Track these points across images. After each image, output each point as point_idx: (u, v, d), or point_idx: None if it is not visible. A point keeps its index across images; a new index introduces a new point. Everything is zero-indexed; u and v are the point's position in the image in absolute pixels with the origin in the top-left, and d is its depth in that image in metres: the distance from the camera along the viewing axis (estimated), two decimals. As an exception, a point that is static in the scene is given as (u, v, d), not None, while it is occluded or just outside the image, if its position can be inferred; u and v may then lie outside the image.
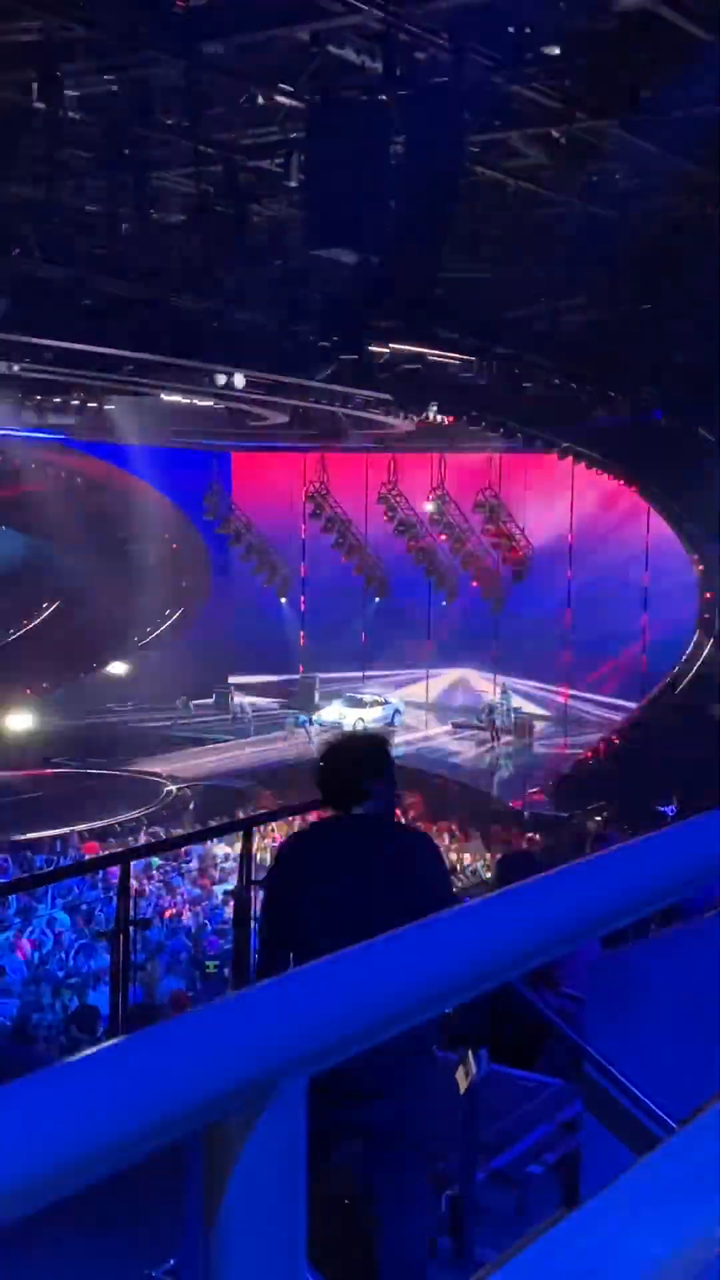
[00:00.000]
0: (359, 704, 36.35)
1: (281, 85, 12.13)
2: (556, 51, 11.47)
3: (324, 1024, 1.04)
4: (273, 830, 17.46)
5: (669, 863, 1.59)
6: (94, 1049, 0.96)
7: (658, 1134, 2.57)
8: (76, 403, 26.93)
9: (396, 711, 36.33)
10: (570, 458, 30.45)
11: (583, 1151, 3.17)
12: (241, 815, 22.94)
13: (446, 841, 25.30)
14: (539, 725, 35.12)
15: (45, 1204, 0.89)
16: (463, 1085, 4.45)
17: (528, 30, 11.12)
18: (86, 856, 20.45)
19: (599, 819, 26.83)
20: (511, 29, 11.05)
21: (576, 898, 1.35)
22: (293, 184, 13.59)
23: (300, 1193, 1.06)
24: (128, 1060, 0.95)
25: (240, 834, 9.84)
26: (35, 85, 11.98)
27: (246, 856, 7.91)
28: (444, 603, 37.43)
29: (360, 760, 4.50)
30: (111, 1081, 0.93)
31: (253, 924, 7.96)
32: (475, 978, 1.18)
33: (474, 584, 36.63)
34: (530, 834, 26.41)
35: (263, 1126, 1.01)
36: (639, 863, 1.55)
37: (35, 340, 17.20)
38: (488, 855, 24.70)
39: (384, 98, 11.43)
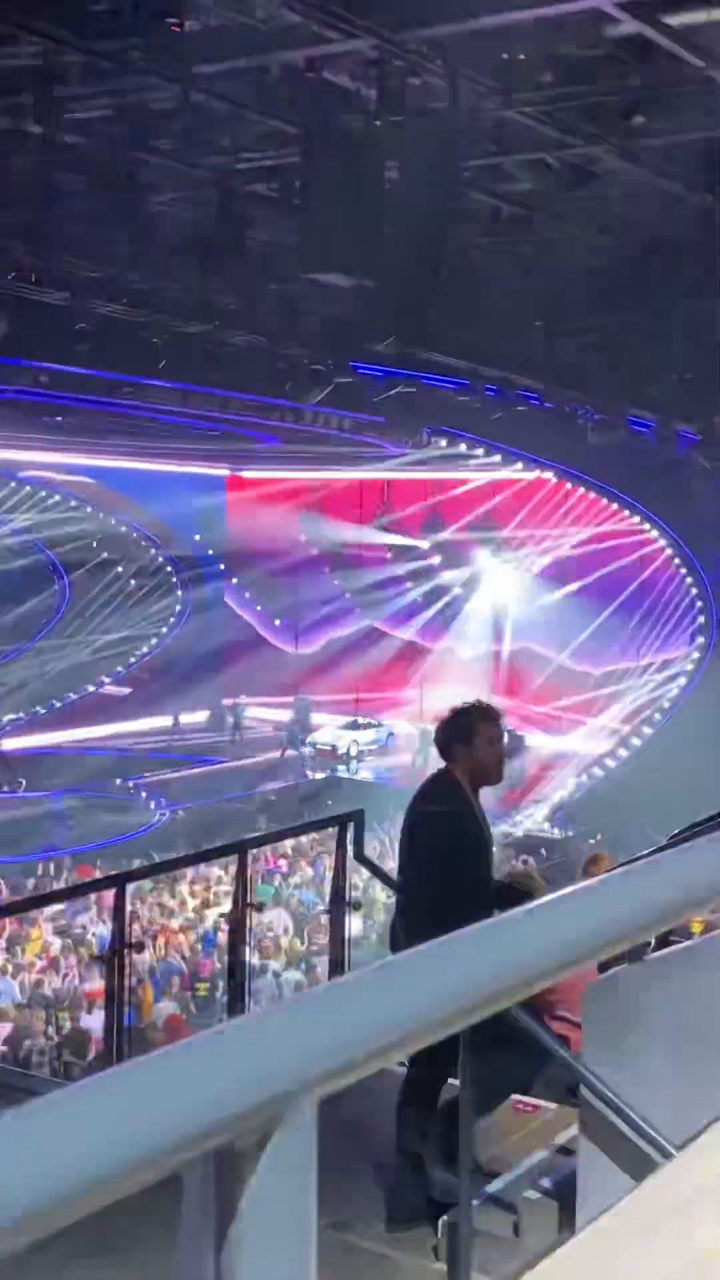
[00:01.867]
0: (354, 726, 36.35)
1: (277, 110, 12.19)
2: (549, 77, 11.55)
3: (334, 1045, 1.05)
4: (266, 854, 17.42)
5: (675, 884, 1.60)
6: (107, 1071, 0.97)
7: (654, 1155, 2.57)
8: (71, 424, 26.93)
9: (390, 734, 36.31)
10: (565, 480, 30.57)
11: (580, 1176, 3.17)
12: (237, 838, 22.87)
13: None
14: (532, 745, 35.09)
15: (60, 1226, 0.90)
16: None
17: (521, 56, 11.19)
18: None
19: (594, 840, 26.80)
20: (505, 55, 11.12)
21: (588, 918, 1.35)
22: (288, 208, 13.65)
23: (312, 1212, 1.06)
24: (141, 1083, 0.96)
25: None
26: (31, 109, 12.04)
27: (242, 880, 7.89)
28: (439, 625, 37.44)
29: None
30: (125, 1104, 0.93)
31: (246, 947, 7.94)
32: (485, 999, 1.19)
33: (469, 606, 36.68)
34: (524, 856, 26.36)
35: (275, 1147, 1.01)
36: (645, 884, 1.55)
37: (31, 364, 17.22)
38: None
39: (379, 123, 11.49)
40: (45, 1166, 0.87)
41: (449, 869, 5.15)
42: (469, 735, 5.52)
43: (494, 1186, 4.81)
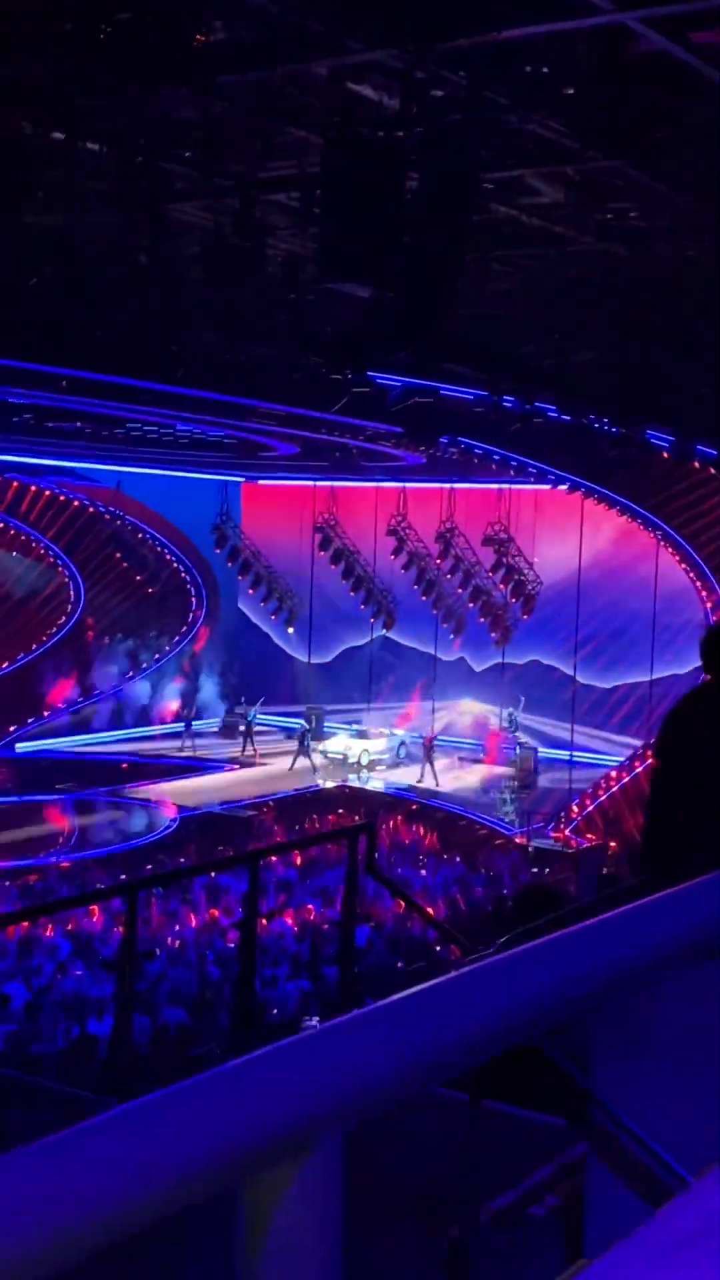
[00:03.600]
0: (364, 735, 36.37)
1: (299, 120, 12.22)
2: (572, 91, 11.55)
3: (359, 1078, 1.04)
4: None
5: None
6: (132, 1103, 0.96)
7: (666, 1180, 2.55)
8: (90, 431, 27.02)
9: (402, 743, 36.32)
10: (580, 492, 30.58)
11: (587, 1194, 3.14)
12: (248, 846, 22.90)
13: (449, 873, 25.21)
14: (543, 759, 35.05)
15: (87, 1258, 0.89)
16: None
17: (544, 70, 11.20)
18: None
19: (606, 855, 26.75)
20: (528, 68, 11.13)
21: (618, 948, 1.34)
22: (308, 218, 13.68)
23: (337, 1242, 1.05)
24: (168, 1115, 0.95)
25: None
26: (53, 116, 12.09)
27: (253, 889, 7.88)
28: (451, 636, 37.42)
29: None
30: (152, 1135, 0.92)
31: (256, 954, 7.93)
32: (508, 1030, 1.18)
33: (481, 618, 36.62)
34: (534, 869, 26.33)
35: (300, 1180, 1.01)
36: (681, 913, 1.53)
37: (51, 370, 17.28)
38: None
39: (400, 134, 11.51)
40: (71, 1198, 0.87)
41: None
42: None
43: (499, 1202, 4.78)
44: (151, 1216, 0.94)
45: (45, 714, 36.41)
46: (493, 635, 36.43)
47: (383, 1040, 1.10)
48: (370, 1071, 1.08)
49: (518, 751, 34.76)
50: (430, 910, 16.58)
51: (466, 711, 37.25)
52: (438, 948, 18.11)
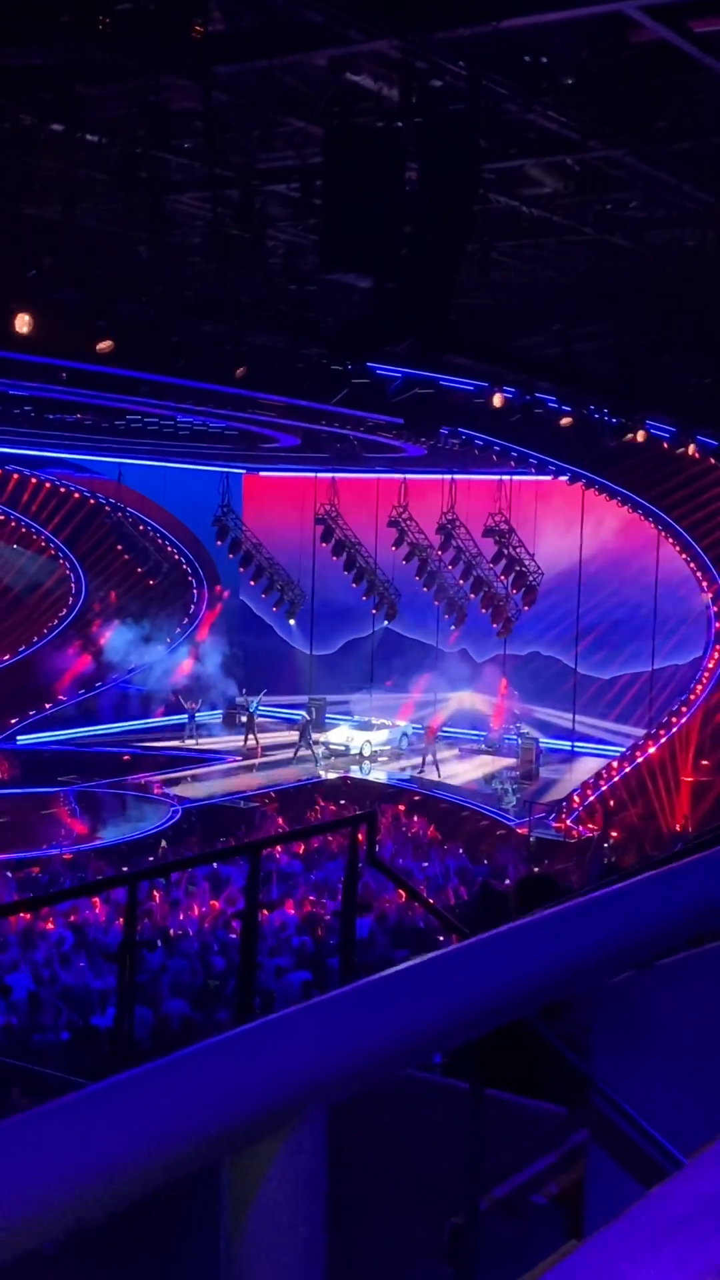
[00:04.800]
0: (367, 726, 36.39)
1: (298, 111, 12.20)
2: (571, 81, 11.54)
3: (343, 1055, 1.04)
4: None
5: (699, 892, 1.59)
6: (119, 1077, 0.97)
7: (664, 1165, 2.56)
8: (90, 423, 27.02)
9: (404, 734, 36.34)
10: (581, 483, 30.57)
11: (588, 1181, 3.15)
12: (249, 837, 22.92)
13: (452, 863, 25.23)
14: (545, 749, 35.08)
15: (71, 1232, 0.89)
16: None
17: (544, 60, 11.18)
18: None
19: (607, 845, 26.79)
20: (527, 58, 11.11)
21: (601, 928, 1.35)
22: (308, 209, 13.67)
23: (322, 1219, 1.06)
24: (149, 1090, 0.95)
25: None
26: (53, 107, 12.08)
27: (254, 879, 7.89)
28: (453, 627, 37.42)
29: None
30: (134, 1111, 0.93)
31: (260, 945, 7.93)
32: (494, 1010, 1.19)
33: (483, 609, 36.61)
34: (535, 859, 26.35)
35: (284, 1156, 1.01)
36: (664, 894, 1.54)
37: (51, 361, 17.26)
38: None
39: (400, 124, 11.50)
40: (56, 1172, 0.87)
41: None
42: None
43: (500, 1190, 4.80)
44: (134, 1191, 0.95)
45: (47, 706, 36.44)
46: (494, 626, 36.43)
47: (364, 1018, 1.11)
48: (352, 1048, 1.08)
49: (519, 742, 34.78)
50: (432, 900, 16.61)
51: (468, 703, 37.27)
52: (440, 938, 18.13)
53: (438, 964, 1.20)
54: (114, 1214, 0.94)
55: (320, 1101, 1.05)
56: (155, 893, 20.49)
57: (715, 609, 31.06)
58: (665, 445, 23.14)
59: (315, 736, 35.35)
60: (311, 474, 38.20)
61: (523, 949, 1.31)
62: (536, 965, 1.30)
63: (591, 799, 30.33)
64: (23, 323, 14.22)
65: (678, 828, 28.78)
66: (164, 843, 25.79)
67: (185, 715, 36.94)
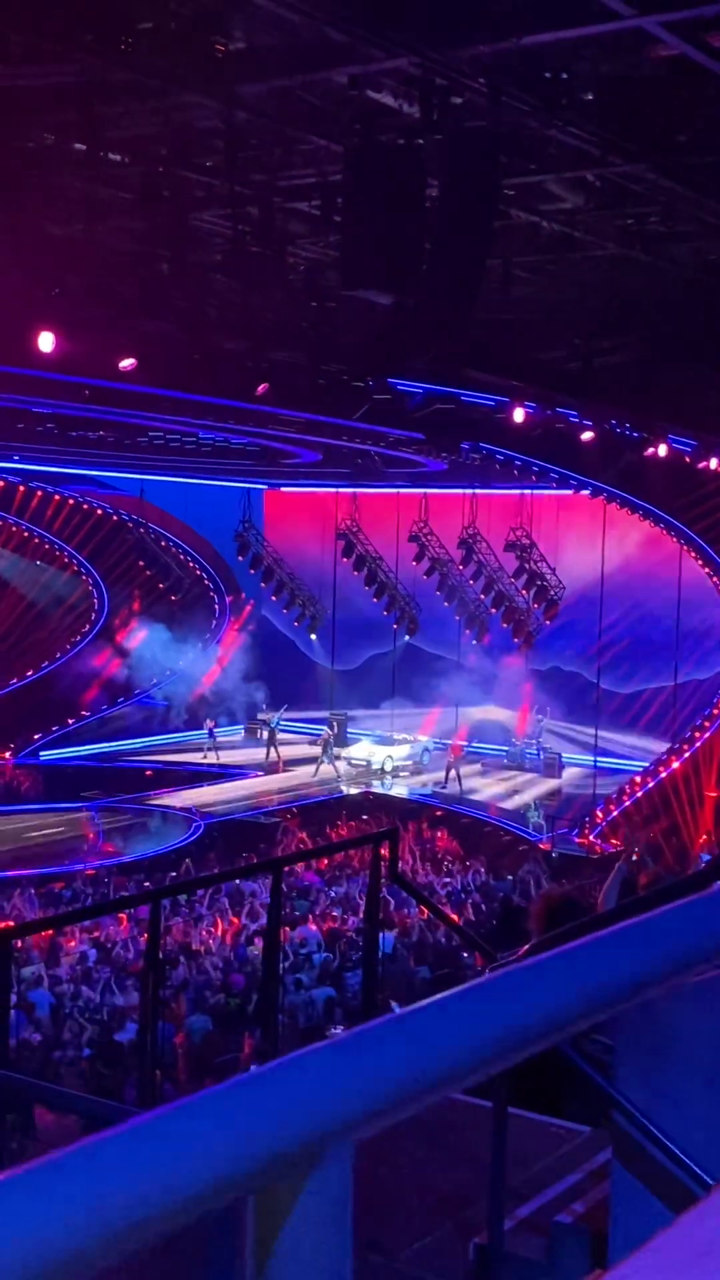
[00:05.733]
0: (388, 741, 36.35)
1: (319, 128, 12.24)
2: (591, 96, 11.54)
3: (369, 1090, 1.04)
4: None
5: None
6: (149, 1114, 0.96)
7: (689, 1185, 2.54)
8: (112, 440, 27.10)
9: (425, 749, 36.29)
10: (603, 498, 30.51)
11: (612, 1200, 3.14)
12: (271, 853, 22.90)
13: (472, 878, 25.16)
14: (567, 764, 34.99)
15: (100, 1270, 0.89)
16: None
17: (564, 75, 11.19)
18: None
19: (631, 861, 26.66)
20: (547, 74, 11.12)
21: (627, 959, 1.34)
22: (329, 225, 13.70)
23: (348, 1253, 1.05)
24: (183, 1125, 0.95)
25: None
26: (76, 127, 12.15)
27: (277, 895, 7.89)
28: (474, 641, 37.36)
29: None
30: (166, 1147, 0.92)
31: (282, 961, 7.93)
32: (521, 1042, 1.18)
33: (504, 624, 36.57)
34: (557, 875, 26.26)
35: (313, 1189, 1.00)
36: (691, 923, 1.53)
37: (74, 379, 17.33)
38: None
39: (421, 141, 11.52)
40: (85, 1210, 0.87)
41: None
42: None
43: (525, 1209, 4.77)
44: (158, 1232, 0.94)
45: (70, 721, 36.50)
46: (515, 640, 36.37)
47: (392, 1053, 1.10)
48: (383, 1084, 1.07)
49: (542, 757, 34.69)
50: (455, 917, 16.56)
51: (489, 717, 37.20)
52: (464, 954, 18.07)
53: (463, 997, 1.20)
54: (134, 1253, 0.94)
55: (348, 1138, 1.04)
56: (178, 909, 20.49)
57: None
58: (687, 459, 23.10)
59: (337, 751, 35.32)
60: (332, 489, 38.23)
61: (560, 977, 1.30)
62: (574, 993, 1.29)
63: (615, 814, 30.21)
64: (46, 340, 14.29)
65: (701, 843, 28.65)
66: (188, 860, 25.78)
67: (205, 731, 36.96)
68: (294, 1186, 1.02)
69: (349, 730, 37.65)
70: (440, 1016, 1.16)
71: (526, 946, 4.03)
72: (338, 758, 35.04)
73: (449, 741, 35.27)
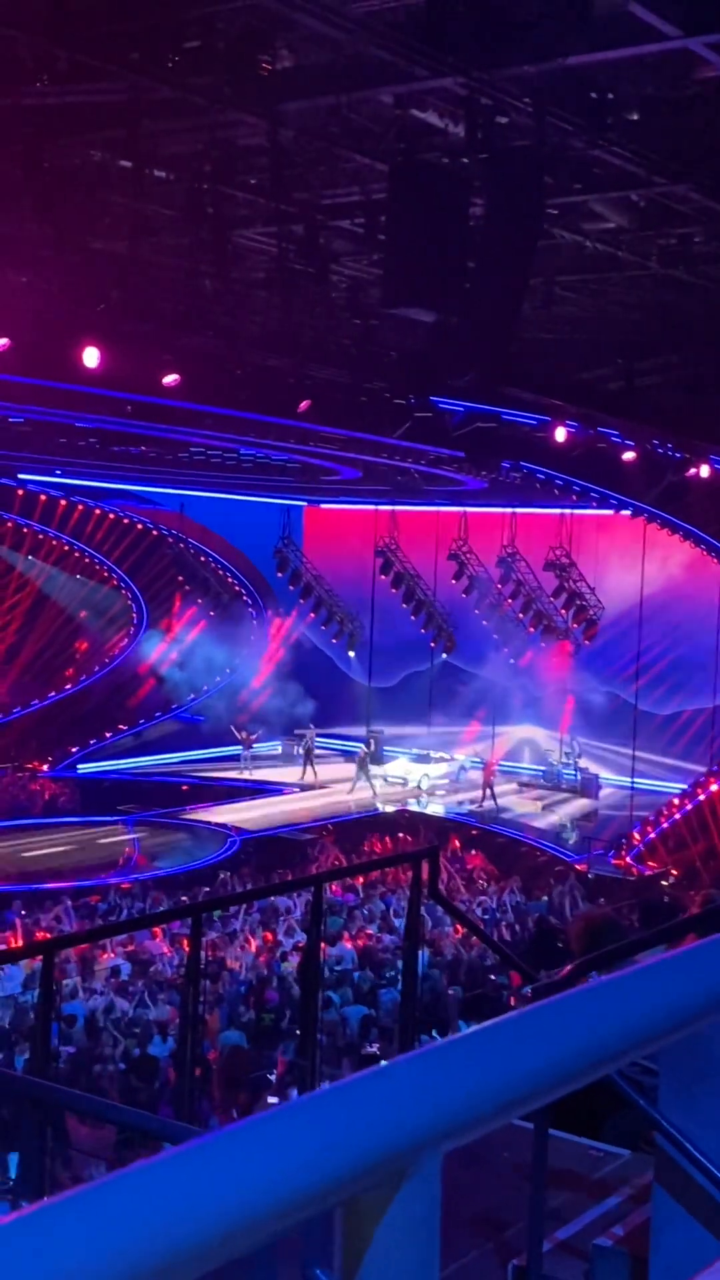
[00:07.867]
0: (425, 760, 36.28)
1: (364, 146, 12.29)
2: (636, 117, 11.55)
3: (460, 1101, 1.03)
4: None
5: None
6: (239, 1123, 0.96)
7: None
8: (154, 455, 27.21)
9: (462, 768, 36.19)
10: (643, 518, 30.41)
11: (654, 1225, 3.11)
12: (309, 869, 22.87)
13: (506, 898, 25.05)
14: (604, 785, 34.81)
15: (195, 1276, 0.88)
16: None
17: (609, 95, 11.20)
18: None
19: (667, 882, 26.53)
20: (593, 94, 11.13)
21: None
22: (372, 243, 13.74)
23: (435, 1264, 1.04)
24: (272, 1136, 0.94)
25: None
26: (122, 144, 12.24)
27: (316, 913, 7.87)
28: (511, 661, 37.25)
29: None
30: (258, 1156, 0.92)
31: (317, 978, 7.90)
32: (610, 1056, 1.17)
33: (542, 643, 36.45)
34: (601, 900, 26.11)
35: (401, 1200, 1.00)
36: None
37: (118, 394, 17.43)
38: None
39: (465, 160, 11.55)
40: (180, 1217, 0.87)
41: None
42: None
43: (565, 1232, 4.74)
44: (250, 1241, 0.94)
45: (107, 735, 36.62)
46: (553, 660, 36.24)
47: (481, 1065, 1.10)
48: (474, 1094, 1.07)
49: (579, 777, 34.53)
50: (493, 937, 16.49)
51: (527, 737, 37.08)
52: (492, 975, 17.99)
53: (552, 1009, 1.19)
54: (226, 1262, 0.93)
55: (437, 1148, 1.04)
56: (213, 924, 20.48)
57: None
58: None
59: (373, 769, 35.27)
60: (372, 506, 38.25)
61: (636, 998, 1.29)
62: (646, 1016, 1.28)
63: (652, 836, 30.03)
64: (91, 356, 14.38)
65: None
66: (223, 874, 25.79)
67: (241, 747, 37.00)
68: (385, 1196, 1.02)
69: (384, 748, 37.60)
70: (526, 1031, 1.15)
71: (570, 966, 4.00)
72: (374, 776, 34.98)
73: (485, 759, 35.15)
